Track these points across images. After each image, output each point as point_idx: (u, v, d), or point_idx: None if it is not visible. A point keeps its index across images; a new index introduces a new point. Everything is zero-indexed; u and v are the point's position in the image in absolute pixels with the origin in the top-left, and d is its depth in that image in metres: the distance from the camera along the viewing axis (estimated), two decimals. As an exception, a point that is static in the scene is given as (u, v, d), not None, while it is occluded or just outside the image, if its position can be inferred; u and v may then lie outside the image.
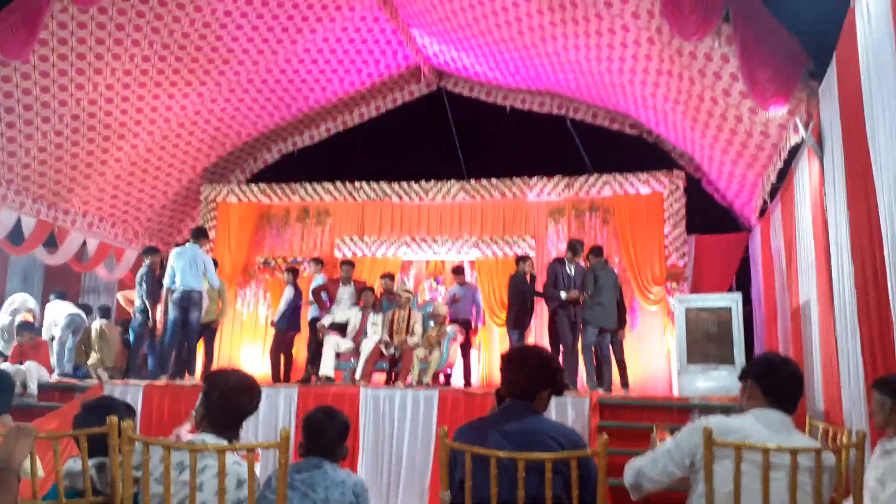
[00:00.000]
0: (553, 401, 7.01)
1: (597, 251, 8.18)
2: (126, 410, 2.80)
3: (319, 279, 9.28)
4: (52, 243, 9.99)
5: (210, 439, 2.47)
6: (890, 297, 3.99)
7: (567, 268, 8.07)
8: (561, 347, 7.97)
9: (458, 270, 9.41)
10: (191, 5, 8.05)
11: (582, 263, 8.17)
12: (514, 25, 8.48)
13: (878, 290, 4.20)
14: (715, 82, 6.80)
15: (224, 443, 2.47)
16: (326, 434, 2.78)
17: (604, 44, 7.78)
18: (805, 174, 6.45)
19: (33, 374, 7.76)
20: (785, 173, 7.23)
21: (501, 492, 2.27)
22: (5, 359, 8.40)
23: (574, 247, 8.18)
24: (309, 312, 9.26)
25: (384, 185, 10.75)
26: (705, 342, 7.67)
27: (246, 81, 9.76)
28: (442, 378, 8.62)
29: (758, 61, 5.84)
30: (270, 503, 2.46)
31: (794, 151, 6.74)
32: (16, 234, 9.24)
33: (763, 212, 8.54)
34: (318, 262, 9.64)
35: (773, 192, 7.85)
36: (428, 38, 10.23)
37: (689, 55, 6.77)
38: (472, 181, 10.50)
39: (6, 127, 8.21)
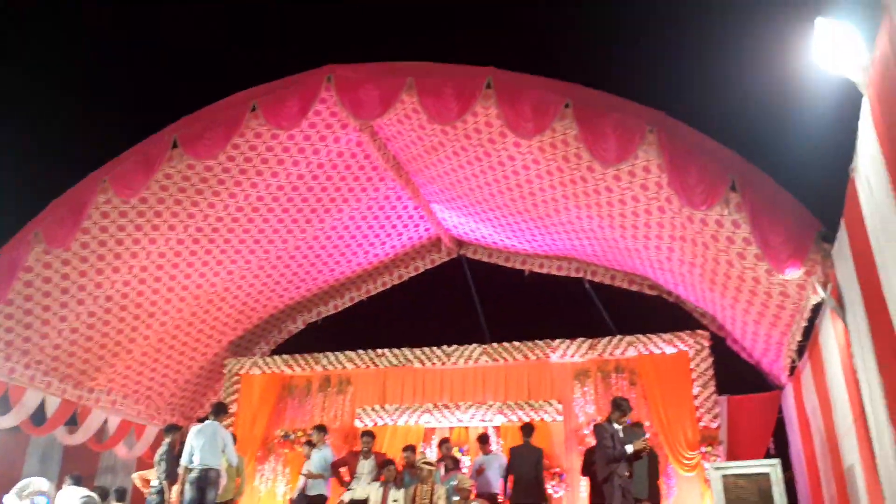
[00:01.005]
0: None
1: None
2: None
3: (326, 450, 8.87)
4: (72, 422, 9.95)
5: None
6: (938, 464, 3.81)
7: (615, 428, 7.42)
8: None
9: (483, 439, 9.11)
10: (226, 192, 8.63)
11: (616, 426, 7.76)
12: (528, 199, 8.92)
13: (924, 457, 4.02)
14: (729, 246, 6.97)
15: None
16: None
17: (616, 213, 8.10)
18: (830, 333, 6.40)
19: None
20: (810, 331, 7.18)
21: None
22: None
23: (620, 405, 7.48)
24: (310, 488, 8.61)
25: (406, 351, 10.77)
26: (747, 513, 7.21)
27: (274, 258, 10.19)
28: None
29: (768, 226, 6.01)
30: None
31: (817, 309, 6.74)
32: (37, 414, 9.25)
33: (793, 370, 8.38)
34: (321, 429, 9.12)
35: (801, 350, 7.75)
36: (448, 211, 10.74)
37: (701, 222, 7.00)
38: (495, 344, 10.51)
39: (42, 310, 8.53)
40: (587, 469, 8.28)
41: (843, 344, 5.84)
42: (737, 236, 6.77)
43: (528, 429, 8.67)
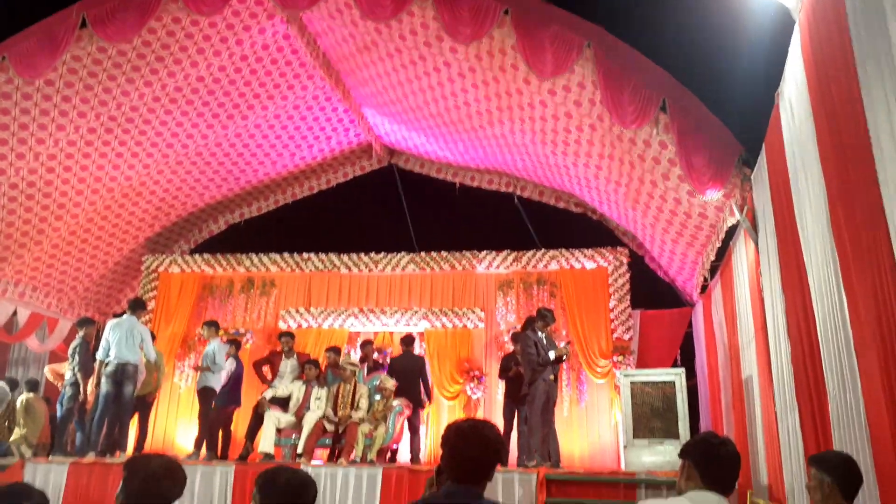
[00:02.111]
0: (500, 476, 6.93)
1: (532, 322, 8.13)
2: (40, 499, 2.63)
3: (214, 343, 8.81)
4: (-21, 313, 9.55)
5: (130, 528, 2.33)
6: (825, 376, 4.11)
7: (539, 336, 7.68)
8: (522, 418, 7.88)
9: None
10: (140, 80, 8.08)
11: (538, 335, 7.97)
12: (462, 109, 8.76)
13: (814, 369, 4.33)
14: (654, 167, 7.09)
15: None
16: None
17: (548, 128, 8.07)
18: (742, 254, 6.70)
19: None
20: (724, 252, 7.51)
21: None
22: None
23: (545, 315, 7.77)
24: (200, 380, 8.69)
25: (332, 256, 10.71)
26: (651, 417, 7.70)
27: (194, 154, 9.73)
28: (388, 454, 8.40)
29: (693, 148, 6.15)
30: None
31: (732, 232, 7.03)
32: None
33: (704, 288, 8.80)
34: (211, 324, 9.05)
35: (714, 270, 8.13)
36: (380, 117, 10.46)
37: (629, 141, 7.07)
38: (422, 253, 10.57)
39: (-61, 194, 7.96)
40: (504, 373, 8.66)
41: (753, 264, 6.14)
42: (663, 157, 6.89)
43: (408, 339, 9.08)
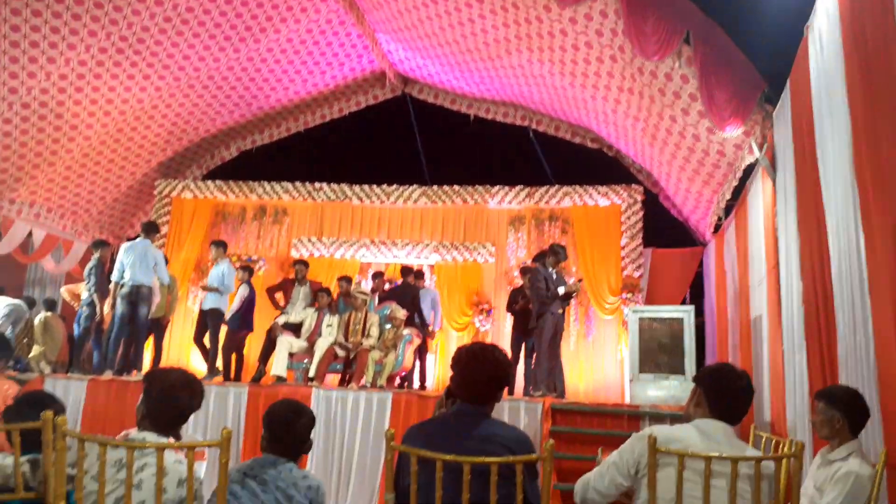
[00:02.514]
0: (506, 404, 7.05)
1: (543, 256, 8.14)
2: (59, 407, 2.72)
3: (223, 265, 8.71)
4: (-4, 233, 9.66)
5: (150, 437, 2.41)
6: (836, 315, 4.10)
7: (549, 272, 7.72)
8: (529, 350, 8.00)
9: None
10: (152, -1, 7.89)
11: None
12: (479, 37, 8.53)
13: (825, 308, 4.31)
14: (674, 101, 6.93)
15: (164, 441, 2.41)
16: (293, 431, 2.71)
17: (567, 59, 7.87)
18: (759, 193, 6.62)
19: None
20: (739, 191, 7.42)
21: (447, 496, 2.24)
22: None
23: (558, 252, 7.76)
24: (207, 301, 8.63)
25: (345, 186, 10.70)
26: (657, 352, 7.77)
27: (206, 78, 9.59)
28: (397, 381, 8.59)
29: (716, 83, 5.98)
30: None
31: (749, 171, 6.92)
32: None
33: (718, 228, 8.74)
34: (219, 244, 8.89)
35: (728, 210, 8.05)
36: (394, 44, 10.22)
37: (650, 74, 6.89)
38: (434, 186, 10.53)
39: (-49, 112, 7.93)
40: (511, 307, 8.74)
41: (769, 203, 6.07)
42: (683, 91, 6.73)
43: (406, 270, 9.30)
